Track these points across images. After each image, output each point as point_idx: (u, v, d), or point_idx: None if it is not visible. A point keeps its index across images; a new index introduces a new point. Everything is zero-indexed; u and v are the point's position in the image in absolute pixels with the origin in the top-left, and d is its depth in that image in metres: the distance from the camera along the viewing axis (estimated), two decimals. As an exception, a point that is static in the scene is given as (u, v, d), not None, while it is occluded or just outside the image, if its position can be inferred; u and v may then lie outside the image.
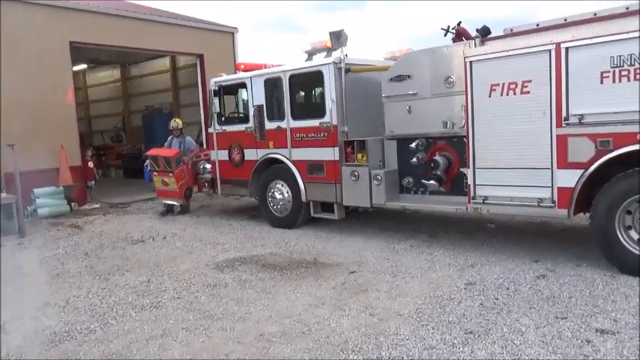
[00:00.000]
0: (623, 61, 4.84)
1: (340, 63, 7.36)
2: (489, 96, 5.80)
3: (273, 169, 8.55)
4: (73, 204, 11.37)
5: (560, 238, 6.68)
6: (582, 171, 5.20)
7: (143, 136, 18.23)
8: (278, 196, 8.43)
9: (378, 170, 7.09)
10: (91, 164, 12.42)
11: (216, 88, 9.17)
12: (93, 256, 7.27)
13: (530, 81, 5.48)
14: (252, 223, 8.95)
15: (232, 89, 9.25)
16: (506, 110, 5.68)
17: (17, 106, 10.52)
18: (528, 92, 5.50)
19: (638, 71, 4.76)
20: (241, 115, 9.24)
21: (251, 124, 8.62)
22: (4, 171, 9.27)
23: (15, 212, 8.88)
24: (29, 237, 8.80)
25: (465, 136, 6.18)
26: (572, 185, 5.27)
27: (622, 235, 5.08)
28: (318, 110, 7.73)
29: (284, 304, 4.84)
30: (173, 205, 10.24)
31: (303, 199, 8.06)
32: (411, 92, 6.75)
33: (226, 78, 9.18)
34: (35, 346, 4.21)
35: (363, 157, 7.21)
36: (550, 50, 5.27)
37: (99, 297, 5.38)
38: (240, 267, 6.22)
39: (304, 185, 8.01)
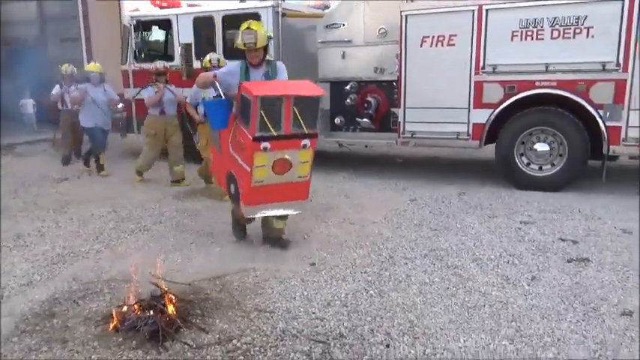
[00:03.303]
0: (529, 23, 6.23)
1: (278, 7, 7.81)
2: (421, 46, 6.88)
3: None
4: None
5: (458, 169, 8.22)
6: (492, 110, 6.60)
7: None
8: (207, 134, 8.69)
9: (314, 110, 7.82)
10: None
11: (135, 23, 8.88)
12: (23, 193, 6.92)
13: (455, 35, 6.66)
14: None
15: (151, 25, 9.06)
16: (434, 59, 6.82)
17: None
18: (454, 45, 6.69)
19: (539, 33, 6.20)
20: (160, 52, 9.13)
21: (177, 62, 8.62)
22: None
23: None
24: None
25: (394, 81, 7.26)
26: (484, 122, 6.67)
27: (518, 160, 6.65)
28: (254, 51, 8.09)
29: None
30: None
31: (235, 137, 8.47)
32: (345, 39, 7.55)
33: (147, 14, 8.95)
34: (47, 265, 4.30)
35: (299, 97, 7.87)
36: (474, 10, 6.47)
37: (75, 226, 5.41)
38: (199, 198, 6.57)
39: (237, 124, 8.40)
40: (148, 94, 7.19)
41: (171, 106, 7.26)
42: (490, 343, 2.94)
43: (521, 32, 6.29)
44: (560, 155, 6.45)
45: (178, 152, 7.31)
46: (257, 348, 2.94)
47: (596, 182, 6.40)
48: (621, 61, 5.86)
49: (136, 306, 3.16)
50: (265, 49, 4.38)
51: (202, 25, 8.39)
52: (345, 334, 3.08)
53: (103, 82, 8.11)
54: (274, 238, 4.60)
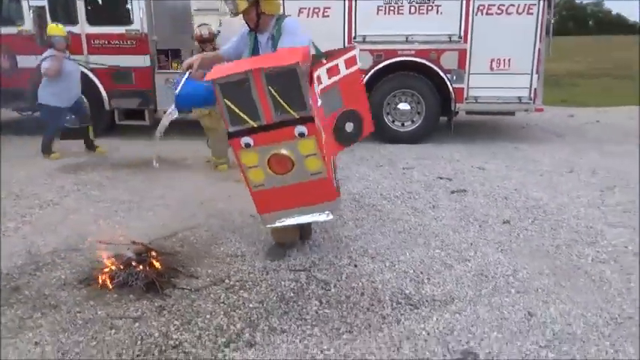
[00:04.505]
0: (391, 0, 7.25)
1: (148, -29, 7.60)
2: (298, 17, 7.43)
3: (60, 77, 8.07)
4: None
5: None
6: (363, 75, 7.54)
7: None
8: (71, 106, 8.11)
9: (193, 77, 7.89)
10: None
11: (-32, -20, 7.73)
12: None
13: (329, 7, 7.39)
14: (35, 137, 8.27)
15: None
16: (311, 29, 7.38)
17: None
18: (328, 16, 7.42)
19: (399, 8, 7.26)
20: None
21: (28, 27, 7.80)
22: None
23: None
24: None
25: (272, 49, 7.71)
26: (357, 86, 7.58)
27: (386, 119, 7.75)
28: (123, 17, 7.77)
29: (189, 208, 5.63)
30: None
31: (107, 107, 8.10)
32: (218, 7, 7.74)
33: (-16, -31, 7.82)
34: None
35: (177, 65, 7.85)
36: (345, -15, 7.26)
37: (-37, 208, 4.87)
38: (90, 170, 6.31)
39: (107, 93, 8.03)
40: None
41: None
42: (427, 253, 3.80)
43: (385, 7, 7.29)
44: (419, 113, 7.71)
45: (223, 142, 5.40)
46: (250, 283, 3.35)
47: (445, 134, 7.83)
48: (462, 34, 7.24)
49: (122, 264, 3.28)
50: (257, 8, 3.46)
51: (57, -15, 7.71)
52: (317, 262, 3.65)
53: (69, 49, 6.93)
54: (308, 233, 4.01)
